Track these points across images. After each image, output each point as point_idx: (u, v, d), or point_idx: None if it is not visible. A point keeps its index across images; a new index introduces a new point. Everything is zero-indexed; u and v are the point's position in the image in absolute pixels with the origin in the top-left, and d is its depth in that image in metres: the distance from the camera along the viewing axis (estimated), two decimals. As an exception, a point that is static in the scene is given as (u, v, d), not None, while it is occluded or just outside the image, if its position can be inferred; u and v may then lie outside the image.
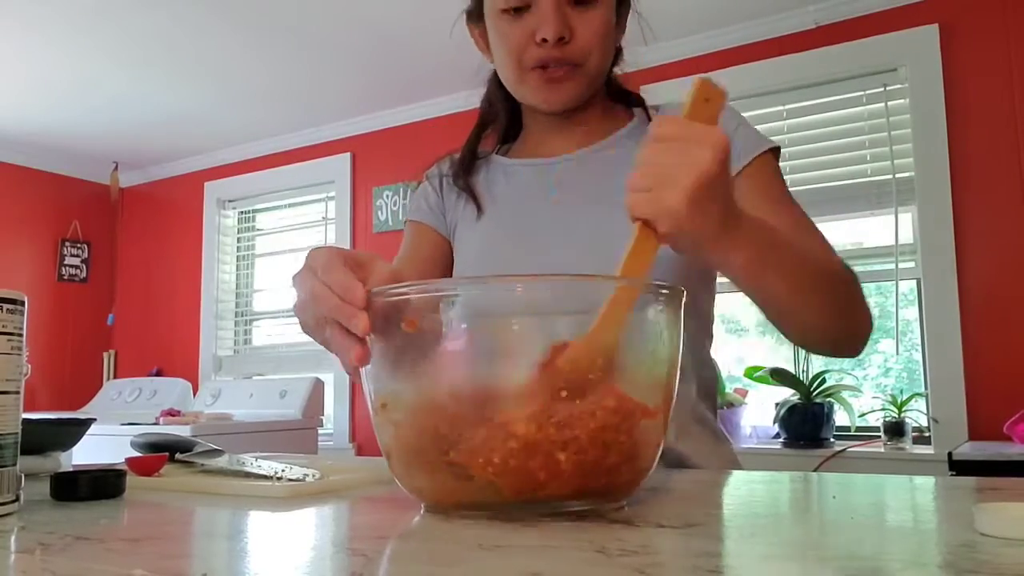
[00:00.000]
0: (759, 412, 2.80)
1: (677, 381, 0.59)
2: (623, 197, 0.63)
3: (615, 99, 1.13)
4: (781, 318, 0.82)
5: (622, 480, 0.56)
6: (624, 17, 1.06)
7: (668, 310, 0.58)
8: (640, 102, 1.12)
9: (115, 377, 4.33)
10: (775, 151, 0.98)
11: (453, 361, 0.55)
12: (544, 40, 0.93)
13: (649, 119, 1.05)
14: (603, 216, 0.91)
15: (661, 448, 0.59)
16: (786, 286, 0.74)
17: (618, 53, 1.08)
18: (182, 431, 2.45)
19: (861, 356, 2.58)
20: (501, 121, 1.12)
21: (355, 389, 3.63)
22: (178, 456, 0.88)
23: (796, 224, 0.89)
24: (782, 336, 0.86)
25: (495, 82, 1.08)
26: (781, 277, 0.73)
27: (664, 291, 0.57)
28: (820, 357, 2.78)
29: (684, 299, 0.59)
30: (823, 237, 0.91)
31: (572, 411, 0.52)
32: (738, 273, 0.71)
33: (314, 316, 0.62)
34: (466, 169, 1.10)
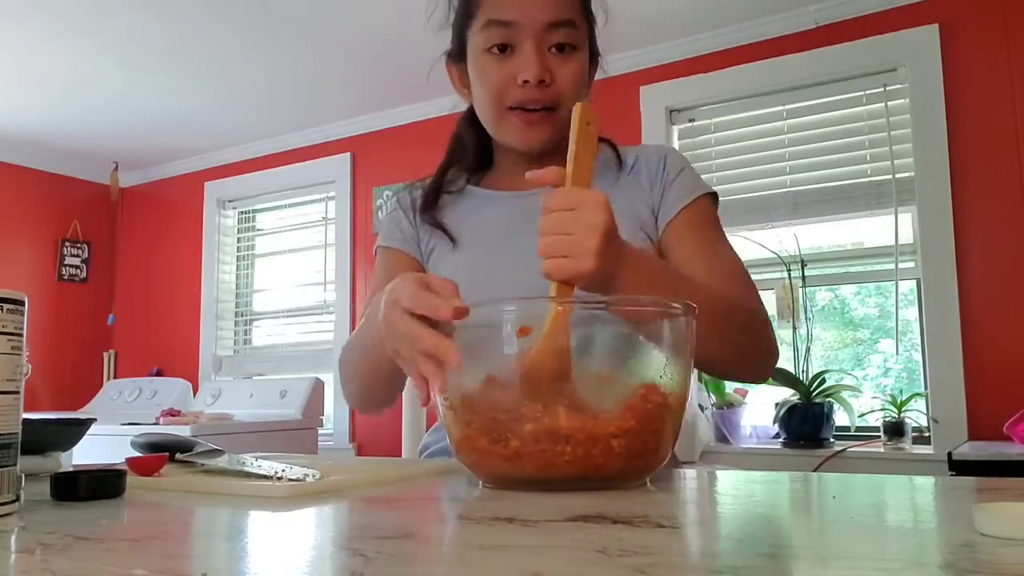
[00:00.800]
0: (759, 412, 2.80)
1: (689, 384, 0.72)
2: None
3: None
4: None
5: (654, 461, 0.71)
6: (593, 72, 1.12)
7: (684, 325, 0.71)
8: (605, 140, 1.18)
9: (115, 377, 4.33)
10: (713, 196, 1.08)
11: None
12: (526, 81, 0.99)
13: (618, 156, 1.13)
14: None
15: (674, 442, 0.73)
16: None
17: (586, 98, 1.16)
18: (182, 431, 2.45)
19: (862, 358, 2.58)
20: (469, 158, 1.17)
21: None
22: (178, 456, 0.88)
23: (719, 263, 1.00)
24: None
25: (466, 121, 1.15)
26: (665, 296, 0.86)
27: (678, 308, 0.71)
28: (820, 357, 2.79)
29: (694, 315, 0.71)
30: (744, 278, 1.00)
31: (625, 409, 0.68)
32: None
33: (405, 353, 0.73)
34: (431, 204, 1.14)
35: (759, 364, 0.98)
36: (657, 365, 0.70)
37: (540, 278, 1.05)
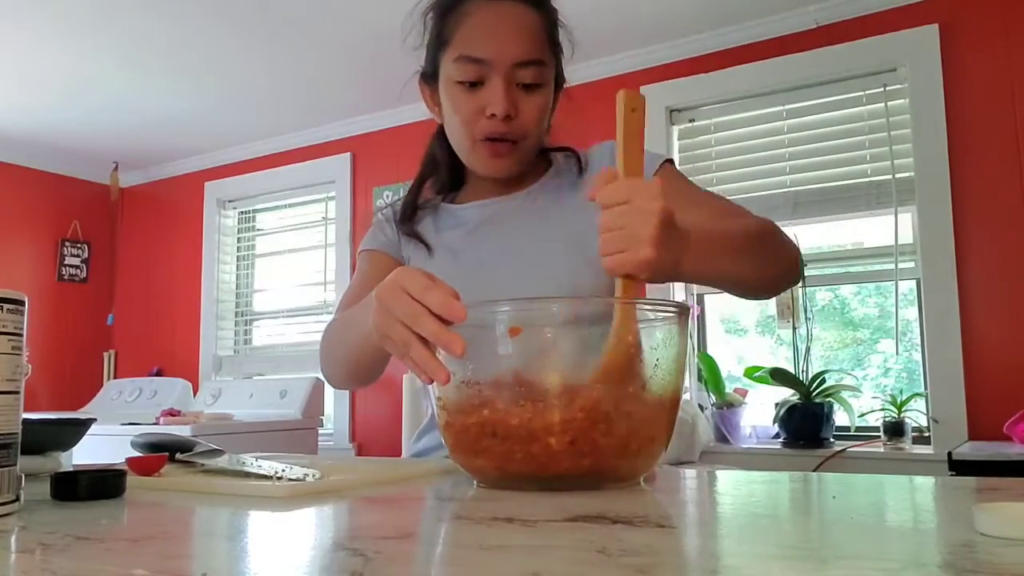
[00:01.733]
0: (759, 412, 2.80)
1: (683, 383, 0.72)
2: (558, 229, 1.04)
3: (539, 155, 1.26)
4: (743, 289, 0.99)
5: (649, 460, 0.72)
6: (558, 99, 1.17)
7: (677, 325, 0.72)
8: (562, 148, 1.25)
9: (115, 377, 4.33)
10: (670, 161, 1.14)
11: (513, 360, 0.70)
12: (493, 115, 1.05)
13: (578, 159, 1.20)
14: (546, 245, 1.10)
15: (667, 442, 0.73)
16: (735, 265, 0.91)
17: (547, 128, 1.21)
18: (182, 431, 2.45)
19: (862, 358, 2.57)
20: (442, 175, 1.23)
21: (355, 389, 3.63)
22: (178, 456, 0.88)
23: (718, 210, 1.05)
24: (745, 299, 1.05)
25: (438, 140, 1.21)
26: (730, 260, 0.90)
27: (673, 308, 0.71)
28: (820, 357, 2.78)
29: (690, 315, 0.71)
30: (738, 207, 1.07)
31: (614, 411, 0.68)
32: (701, 277, 0.88)
33: (398, 335, 0.71)
34: (408, 218, 1.21)
35: (798, 265, 1.04)
36: (648, 365, 0.70)
37: (510, 279, 1.06)
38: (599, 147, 1.20)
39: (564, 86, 1.17)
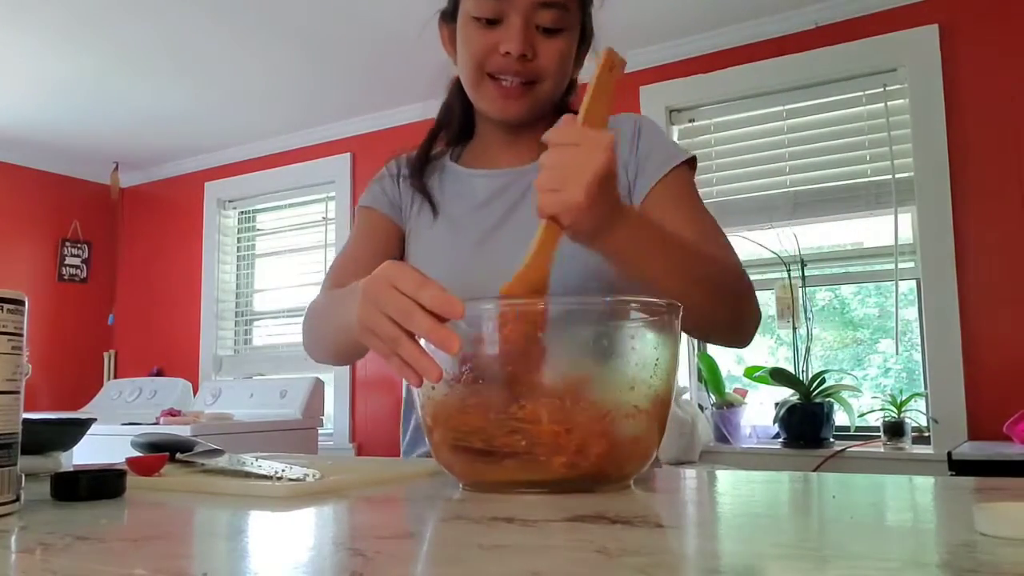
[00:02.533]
0: (759, 412, 2.80)
1: (674, 383, 0.70)
2: None
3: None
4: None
5: (638, 463, 0.70)
6: (583, 54, 1.11)
7: (670, 325, 0.70)
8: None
9: (115, 377, 4.33)
10: (691, 162, 1.06)
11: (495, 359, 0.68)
12: (508, 54, 1.00)
13: None
14: None
15: (658, 443, 0.71)
16: (665, 273, 0.84)
17: (571, 85, 1.14)
18: (182, 431, 2.45)
19: (862, 358, 2.57)
20: (455, 126, 1.17)
21: (355, 389, 3.63)
22: (178, 456, 0.88)
23: (704, 231, 0.99)
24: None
25: (456, 88, 1.14)
26: (662, 264, 0.84)
27: (662, 307, 0.69)
28: (820, 357, 2.78)
29: (679, 314, 0.71)
30: (726, 244, 1.00)
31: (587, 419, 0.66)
32: (626, 263, 0.83)
33: (387, 332, 0.67)
34: (420, 171, 1.15)
35: (749, 325, 0.98)
36: (639, 365, 0.68)
37: (512, 264, 1.04)
38: (615, 119, 1.11)
39: (592, 42, 1.11)
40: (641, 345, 0.69)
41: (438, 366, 0.65)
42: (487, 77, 1.03)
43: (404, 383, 1.16)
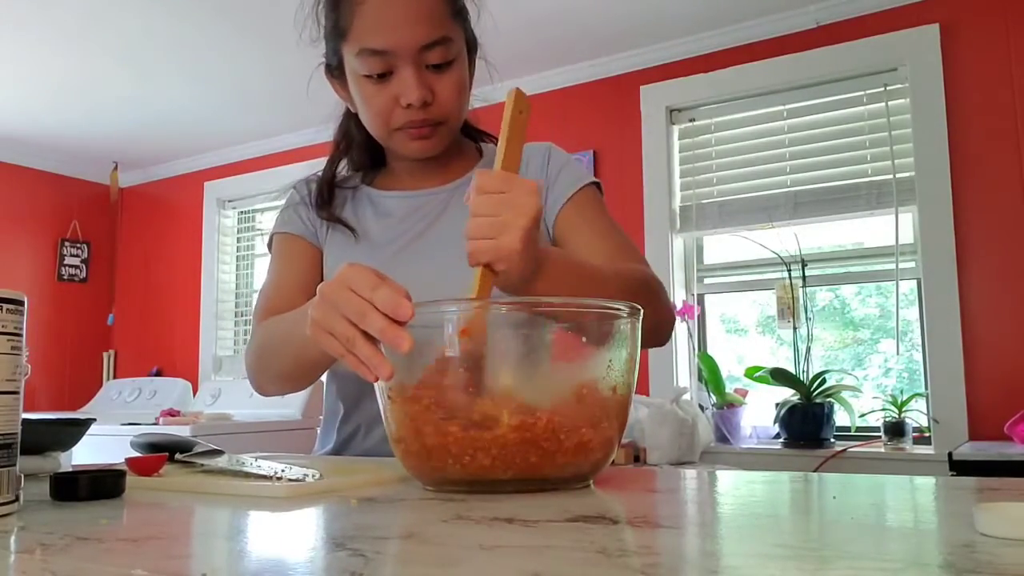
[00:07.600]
0: (759, 412, 2.80)
1: (634, 383, 0.73)
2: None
3: (466, 135, 1.20)
4: None
5: (597, 462, 0.71)
6: (473, 62, 1.11)
7: (629, 326, 0.72)
8: (487, 135, 1.21)
9: (115, 377, 4.33)
10: (598, 185, 1.12)
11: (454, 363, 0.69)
12: (409, 105, 1.00)
13: None
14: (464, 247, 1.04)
15: (616, 443, 0.73)
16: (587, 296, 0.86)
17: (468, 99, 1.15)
18: (182, 431, 2.45)
19: (862, 358, 2.58)
20: (361, 155, 1.18)
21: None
22: (178, 456, 0.88)
23: (616, 244, 1.05)
24: None
25: (353, 119, 1.15)
26: (582, 290, 0.85)
27: (621, 310, 0.71)
28: (820, 357, 2.78)
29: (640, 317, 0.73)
30: (637, 254, 1.07)
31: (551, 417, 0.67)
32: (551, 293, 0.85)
33: (342, 331, 0.69)
34: (327, 201, 1.15)
35: (667, 328, 1.03)
36: (599, 364, 0.69)
37: (433, 277, 1.02)
38: (527, 148, 1.15)
39: (478, 48, 1.11)
40: (600, 344, 0.70)
41: (390, 365, 0.68)
42: (395, 130, 1.04)
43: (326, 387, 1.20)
